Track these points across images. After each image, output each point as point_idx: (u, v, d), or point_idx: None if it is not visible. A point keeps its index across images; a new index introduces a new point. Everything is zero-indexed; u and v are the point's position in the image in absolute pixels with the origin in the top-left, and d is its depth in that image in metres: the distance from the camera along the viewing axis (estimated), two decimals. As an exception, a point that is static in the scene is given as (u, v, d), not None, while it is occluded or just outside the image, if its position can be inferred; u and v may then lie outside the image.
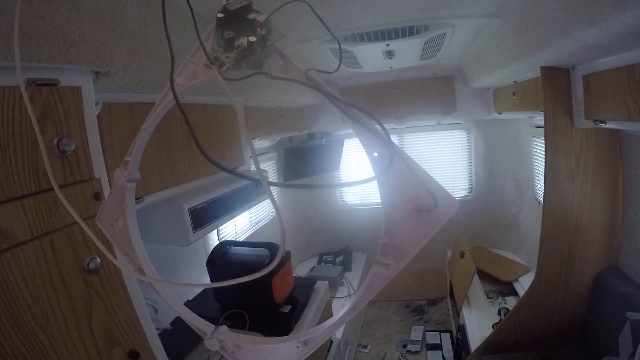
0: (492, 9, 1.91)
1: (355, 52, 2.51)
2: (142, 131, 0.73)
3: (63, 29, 1.11)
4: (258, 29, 0.58)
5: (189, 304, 2.31)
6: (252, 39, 0.56)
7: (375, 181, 0.58)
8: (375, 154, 0.57)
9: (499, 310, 3.24)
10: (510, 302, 3.40)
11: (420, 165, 0.57)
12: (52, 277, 1.07)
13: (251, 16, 0.60)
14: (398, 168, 0.56)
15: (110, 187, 1.26)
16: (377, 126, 0.56)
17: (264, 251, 2.16)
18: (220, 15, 0.61)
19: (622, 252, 2.41)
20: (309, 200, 4.97)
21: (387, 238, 0.60)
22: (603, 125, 1.91)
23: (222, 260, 2.24)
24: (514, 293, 3.56)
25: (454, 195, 0.55)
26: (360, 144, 0.57)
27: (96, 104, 1.40)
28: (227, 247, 2.34)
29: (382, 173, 0.55)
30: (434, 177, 0.56)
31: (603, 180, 2.34)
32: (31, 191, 1.05)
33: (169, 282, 0.68)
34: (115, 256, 0.78)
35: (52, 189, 1.09)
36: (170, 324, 2.03)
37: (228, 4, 0.62)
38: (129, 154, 0.77)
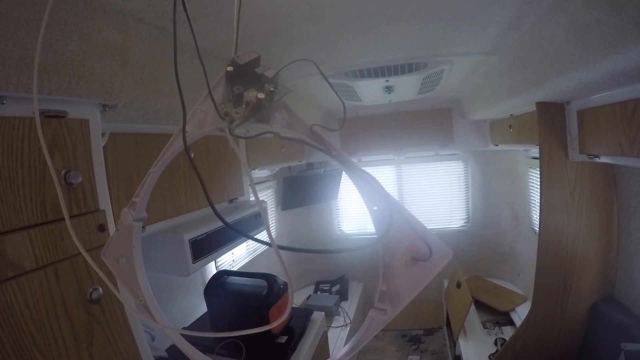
0: (489, 47, 1.97)
1: (356, 87, 2.56)
2: (150, 174, 0.75)
3: (73, 63, 1.15)
4: (266, 85, 0.62)
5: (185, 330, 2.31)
6: (261, 95, 0.59)
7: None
8: (375, 208, 0.60)
9: (496, 340, 3.22)
10: (507, 332, 3.39)
11: (416, 217, 0.60)
12: (56, 306, 1.08)
13: (259, 70, 0.64)
14: (396, 220, 0.60)
15: (116, 225, 1.29)
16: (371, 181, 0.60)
17: (261, 282, 2.17)
18: (230, 68, 0.64)
19: (618, 282, 2.42)
20: (307, 229, 4.98)
21: (384, 285, 0.63)
22: (597, 159, 1.95)
23: (219, 289, 2.25)
24: (511, 323, 3.54)
25: (447, 243, 0.58)
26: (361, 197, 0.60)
27: (103, 135, 1.43)
28: (225, 276, 2.35)
29: (384, 236, 0.58)
30: (428, 228, 0.60)
31: (598, 212, 2.36)
32: (38, 221, 1.07)
33: (178, 330, 0.70)
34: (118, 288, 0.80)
35: (58, 219, 1.13)
36: (166, 351, 2.03)
37: (237, 57, 0.65)
38: (136, 195, 0.79)
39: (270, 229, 4.07)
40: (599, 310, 2.41)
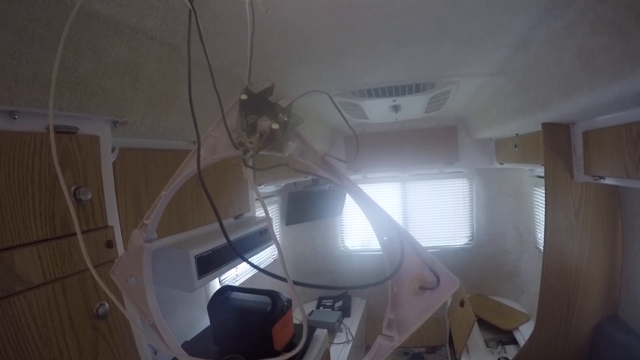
0: (496, 69, 1.99)
1: (363, 106, 2.58)
2: (161, 197, 0.76)
3: (85, 79, 1.16)
4: (280, 114, 0.63)
5: (188, 345, 2.31)
6: (275, 126, 0.60)
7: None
8: (385, 238, 0.61)
9: (499, 359, 3.20)
10: (510, 351, 3.35)
11: (424, 247, 0.61)
12: (62, 320, 1.09)
13: (273, 99, 0.65)
14: (405, 250, 0.60)
15: (124, 241, 1.29)
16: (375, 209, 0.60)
17: (265, 298, 2.16)
18: (244, 97, 0.65)
19: (622, 302, 2.41)
20: (311, 244, 4.95)
21: (392, 313, 0.64)
22: (602, 181, 1.94)
23: (223, 304, 2.24)
24: (514, 342, 3.50)
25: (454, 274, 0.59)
26: (370, 226, 0.61)
27: (113, 150, 1.44)
28: (229, 291, 2.34)
29: (395, 272, 0.59)
30: (436, 259, 0.60)
31: (602, 233, 2.35)
32: (47, 237, 1.08)
33: (188, 357, 0.70)
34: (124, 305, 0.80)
35: (67, 235, 1.14)
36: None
37: (251, 85, 0.66)
38: (147, 217, 0.80)
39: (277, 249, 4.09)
40: (603, 330, 2.39)
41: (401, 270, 0.62)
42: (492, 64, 1.93)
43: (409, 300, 0.63)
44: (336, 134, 4.22)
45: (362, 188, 0.61)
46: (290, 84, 2.13)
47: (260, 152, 0.64)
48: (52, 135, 0.75)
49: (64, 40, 0.67)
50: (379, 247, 0.62)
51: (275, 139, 0.62)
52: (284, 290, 2.29)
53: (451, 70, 2.04)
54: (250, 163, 0.63)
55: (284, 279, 0.56)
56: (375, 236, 0.63)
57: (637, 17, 1.04)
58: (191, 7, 0.60)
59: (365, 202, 0.61)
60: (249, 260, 0.57)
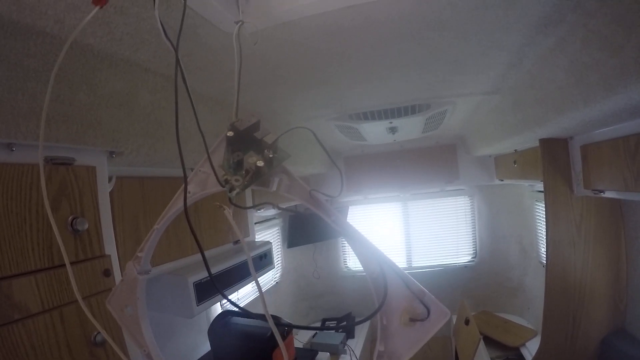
0: (491, 87, 2.00)
1: (360, 128, 2.60)
2: (154, 231, 0.77)
3: (81, 112, 1.18)
4: (265, 151, 0.63)
5: (188, 369, 2.29)
6: (260, 163, 0.61)
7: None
8: (372, 271, 0.61)
9: (506, 377, 3.17)
10: (517, 369, 3.33)
11: (413, 279, 0.61)
12: (60, 348, 1.09)
13: (258, 135, 0.65)
14: (394, 282, 0.61)
15: (121, 269, 1.29)
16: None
17: (266, 323, 2.14)
18: (230, 133, 0.66)
19: (629, 314, 2.39)
20: (313, 266, 4.92)
21: (382, 346, 0.64)
22: (602, 194, 1.94)
23: (224, 329, 2.22)
24: (521, 358, 3.46)
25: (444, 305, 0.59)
26: (358, 260, 0.61)
27: (110, 179, 1.45)
28: (230, 316, 2.32)
29: (380, 307, 0.59)
30: (426, 290, 0.61)
31: (605, 246, 2.34)
32: (44, 266, 1.09)
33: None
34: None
35: (64, 265, 1.14)
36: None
37: (238, 121, 0.67)
38: (140, 250, 0.81)
39: (276, 267, 4.07)
40: (610, 343, 2.37)
41: (391, 303, 0.62)
42: (487, 83, 1.94)
43: (399, 332, 0.63)
44: (335, 156, 4.24)
45: (356, 214, 0.62)
46: (286, 110, 2.16)
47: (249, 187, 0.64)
48: (42, 170, 0.75)
49: (54, 75, 0.68)
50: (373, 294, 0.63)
51: (261, 175, 0.63)
52: (285, 315, 2.27)
53: (446, 91, 2.06)
54: (235, 201, 0.63)
55: (262, 318, 0.56)
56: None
57: (627, 31, 1.04)
58: (173, 47, 0.61)
59: (352, 237, 0.61)
60: (230, 297, 0.57)
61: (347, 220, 0.63)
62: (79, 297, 0.72)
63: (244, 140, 0.66)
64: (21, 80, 0.98)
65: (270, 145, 0.63)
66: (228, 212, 0.61)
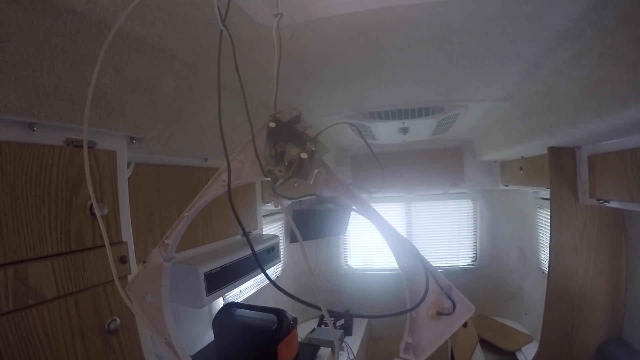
0: (504, 94, 2.01)
1: (372, 127, 2.60)
2: (183, 218, 0.78)
3: (106, 95, 1.17)
4: (308, 144, 0.64)
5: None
6: (304, 155, 0.62)
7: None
8: (406, 266, 0.62)
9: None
10: (513, 372, 3.34)
11: (442, 274, 0.63)
12: (74, 335, 1.08)
13: (300, 128, 0.66)
14: (424, 277, 0.62)
15: (137, 257, 1.29)
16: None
17: (271, 316, 2.15)
18: (272, 124, 0.67)
19: (626, 323, 2.41)
20: (314, 262, 4.92)
21: (410, 337, 0.65)
22: (607, 204, 1.96)
23: (228, 321, 2.23)
24: (517, 362, 3.49)
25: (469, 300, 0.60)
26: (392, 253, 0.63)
27: (128, 165, 1.44)
28: (234, 308, 2.33)
29: (419, 304, 0.61)
30: (453, 285, 0.62)
31: (606, 254, 2.37)
32: (61, 251, 1.08)
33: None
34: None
35: (81, 250, 1.14)
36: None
37: (279, 113, 0.68)
38: (167, 236, 0.81)
39: (281, 263, 4.08)
40: (606, 351, 2.39)
41: (420, 297, 0.64)
42: (500, 90, 1.95)
43: (426, 325, 0.65)
44: (342, 154, 4.24)
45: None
46: (303, 105, 2.16)
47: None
48: (85, 155, 0.76)
49: (101, 59, 0.68)
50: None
51: (304, 167, 0.64)
52: (290, 309, 2.28)
53: (461, 95, 2.06)
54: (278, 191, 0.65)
55: (318, 308, 0.57)
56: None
57: (643, 49, 1.06)
58: (229, 35, 0.62)
59: (389, 232, 0.62)
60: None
61: (383, 216, 0.64)
62: (116, 278, 0.72)
63: (285, 132, 0.66)
64: (47, 59, 0.96)
65: (312, 139, 0.64)
66: (278, 200, 0.62)
